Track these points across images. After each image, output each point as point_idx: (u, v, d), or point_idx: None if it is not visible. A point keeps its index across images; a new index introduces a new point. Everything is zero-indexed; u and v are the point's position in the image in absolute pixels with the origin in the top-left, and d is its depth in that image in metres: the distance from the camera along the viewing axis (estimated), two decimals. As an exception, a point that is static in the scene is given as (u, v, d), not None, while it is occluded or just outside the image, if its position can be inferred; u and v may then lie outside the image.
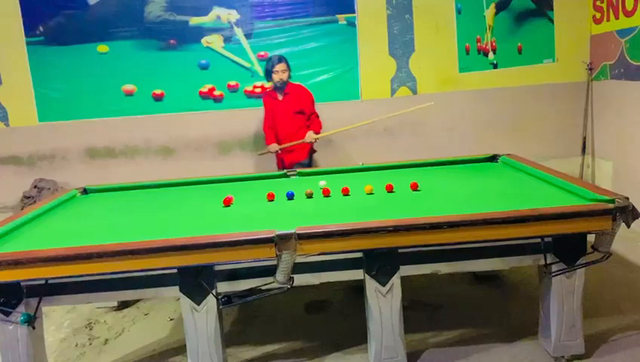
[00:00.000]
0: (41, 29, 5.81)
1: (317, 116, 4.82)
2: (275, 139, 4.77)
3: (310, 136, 4.66)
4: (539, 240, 2.60)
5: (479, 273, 3.81)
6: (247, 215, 2.97)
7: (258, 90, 5.82)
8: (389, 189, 3.23)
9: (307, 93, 4.85)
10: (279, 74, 4.65)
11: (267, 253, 2.40)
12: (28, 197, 5.69)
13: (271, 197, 3.25)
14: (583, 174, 5.71)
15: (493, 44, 5.80)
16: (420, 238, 2.50)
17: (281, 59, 4.69)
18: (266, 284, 2.57)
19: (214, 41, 5.80)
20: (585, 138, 5.71)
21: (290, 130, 4.73)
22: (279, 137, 4.78)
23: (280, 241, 2.40)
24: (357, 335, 3.02)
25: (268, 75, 4.74)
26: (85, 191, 3.82)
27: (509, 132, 5.71)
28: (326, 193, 3.26)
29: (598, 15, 5.51)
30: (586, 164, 5.71)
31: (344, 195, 3.22)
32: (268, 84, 5.18)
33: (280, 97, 4.77)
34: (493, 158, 4.00)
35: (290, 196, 3.23)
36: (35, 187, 5.79)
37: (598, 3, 5.48)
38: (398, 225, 2.48)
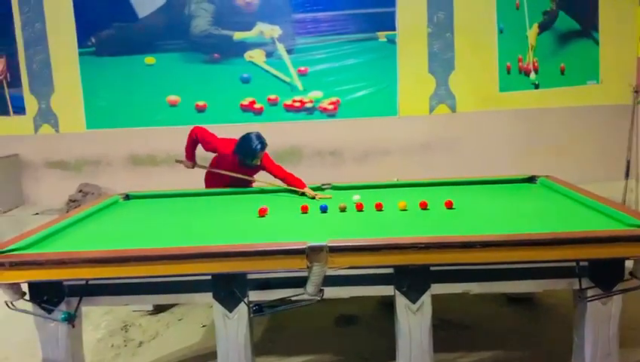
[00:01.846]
0: (92, 40, 6.09)
1: (285, 170, 4.03)
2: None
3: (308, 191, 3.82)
4: (574, 263, 2.55)
5: (512, 294, 3.75)
6: (280, 226, 3.03)
7: (297, 104, 5.92)
8: (423, 206, 3.23)
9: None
10: (257, 160, 3.95)
11: (298, 264, 2.44)
12: (73, 201, 5.92)
13: (305, 210, 3.29)
14: (626, 199, 5.55)
15: (535, 64, 5.74)
16: (452, 257, 2.49)
17: (264, 146, 3.93)
18: (296, 295, 2.59)
19: (257, 55, 5.94)
20: (629, 161, 5.56)
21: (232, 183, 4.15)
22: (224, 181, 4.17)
23: (311, 253, 2.43)
24: (385, 352, 3.00)
25: (250, 156, 3.90)
26: (127, 197, 3.95)
27: (549, 153, 5.62)
28: (359, 208, 3.28)
29: (645, 37, 5.40)
30: (630, 188, 5.55)
31: (377, 211, 3.23)
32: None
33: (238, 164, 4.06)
34: (531, 179, 3.93)
35: (324, 209, 3.27)
36: (80, 191, 6.02)
37: (646, 25, 5.37)
38: (430, 242, 2.47)
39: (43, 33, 6.05)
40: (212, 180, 4.28)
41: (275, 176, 4.01)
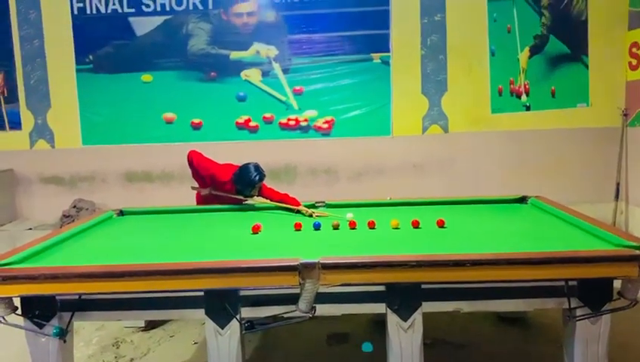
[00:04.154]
0: (90, 57, 6.15)
1: (279, 192, 4.08)
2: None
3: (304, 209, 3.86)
4: (563, 283, 2.58)
5: (504, 314, 3.77)
6: (273, 243, 3.05)
7: (292, 122, 5.99)
8: (415, 225, 3.26)
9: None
10: (255, 191, 3.98)
11: (291, 280, 2.45)
12: (67, 216, 5.91)
13: (298, 227, 3.31)
14: (615, 221, 5.60)
15: (527, 86, 5.84)
16: (443, 275, 2.51)
17: (263, 177, 3.96)
18: (288, 312, 2.60)
19: (253, 74, 6.02)
20: (618, 184, 5.63)
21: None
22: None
23: (304, 270, 2.45)
24: (377, 370, 3.01)
25: (249, 187, 3.93)
26: (121, 213, 3.96)
27: (540, 174, 5.69)
28: (352, 225, 3.31)
29: (634, 62, 5.51)
30: (620, 210, 5.61)
31: (370, 228, 3.26)
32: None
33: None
34: (522, 200, 3.98)
35: (317, 226, 3.29)
36: (75, 207, 6.01)
37: (634, 50, 5.49)
38: (421, 260, 2.50)
39: (41, 50, 6.11)
40: (204, 202, 4.27)
41: (271, 200, 4.01)
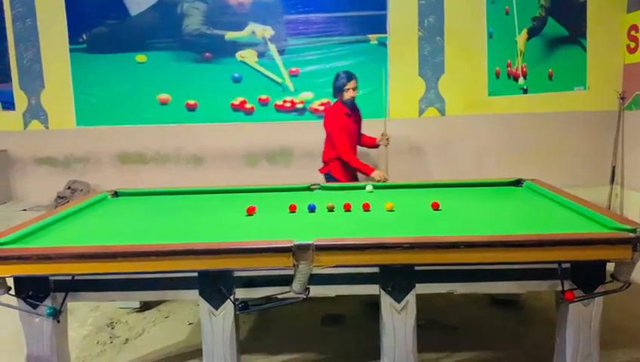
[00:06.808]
0: (84, 37, 6.07)
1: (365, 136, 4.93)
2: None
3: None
4: (556, 265, 2.59)
5: (498, 296, 3.80)
6: (268, 224, 3.04)
7: (288, 104, 5.94)
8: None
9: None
10: (350, 92, 4.46)
11: (285, 261, 2.45)
12: (61, 198, 5.89)
13: (293, 209, 3.30)
14: (610, 204, 5.62)
15: (524, 69, 5.80)
16: (437, 257, 2.51)
17: (351, 76, 4.46)
18: (282, 293, 2.61)
19: (248, 55, 5.95)
20: (614, 167, 5.63)
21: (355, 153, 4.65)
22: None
23: (298, 251, 2.45)
24: (370, 351, 3.03)
25: (338, 91, 4.49)
26: (116, 194, 3.95)
27: (536, 158, 5.68)
28: (347, 208, 3.30)
29: (632, 44, 5.47)
30: (615, 193, 5.62)
31: (365, 211, 3.26)
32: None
33: (352, 117, 4.59)
34: (517, 183, 3.98)
35: (312, 209, 3.29)
36: (69, 188, 5.99)
37: (632, 32, 5.45)
38: (414, 242, 2.50)
39: (34, 29, 6.02)
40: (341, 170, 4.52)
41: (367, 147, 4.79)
